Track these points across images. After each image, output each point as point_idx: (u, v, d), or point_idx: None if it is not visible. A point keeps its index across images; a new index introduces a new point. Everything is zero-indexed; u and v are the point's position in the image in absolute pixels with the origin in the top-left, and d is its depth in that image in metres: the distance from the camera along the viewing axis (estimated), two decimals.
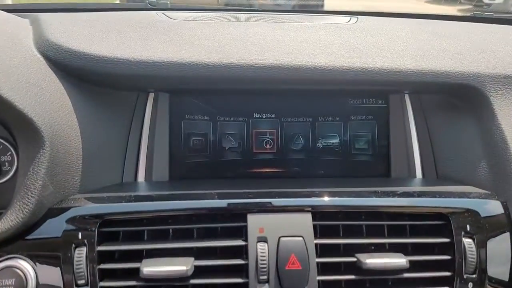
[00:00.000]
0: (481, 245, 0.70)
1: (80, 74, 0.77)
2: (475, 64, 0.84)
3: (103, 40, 0.80)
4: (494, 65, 0.84)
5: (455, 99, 0.88)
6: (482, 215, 0.72)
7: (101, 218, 0.67)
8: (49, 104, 0.68)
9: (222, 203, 0.70)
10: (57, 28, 0.82)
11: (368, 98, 0.93)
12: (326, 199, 0.71)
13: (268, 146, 0.91)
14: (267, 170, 0.91)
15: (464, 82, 0.82)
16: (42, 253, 0.66)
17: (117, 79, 0.79)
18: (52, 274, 0.65)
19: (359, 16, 1.07)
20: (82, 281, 0.64)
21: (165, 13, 1.04)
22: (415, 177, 0.89)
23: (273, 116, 0.92)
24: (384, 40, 0.90)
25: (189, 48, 0.80)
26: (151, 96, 0.88)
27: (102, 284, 0.65)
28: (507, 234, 0.72)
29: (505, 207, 0.74)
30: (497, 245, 0.72)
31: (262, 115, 0.92)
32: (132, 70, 0.76)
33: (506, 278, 0.71)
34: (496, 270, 0.71)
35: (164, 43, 0.82)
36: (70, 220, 0.66)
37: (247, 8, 1.37)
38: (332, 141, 0.92)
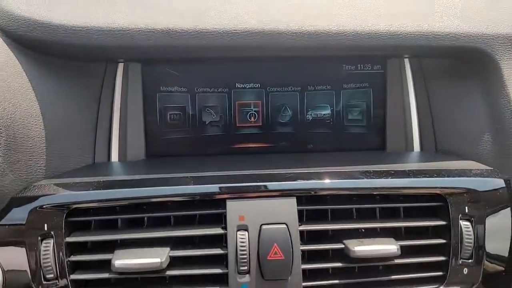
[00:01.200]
0: (480, 226, 0.65)
1: (37, 46, 0.69)
2: (485, 23, 0.74)
3: (62, 4, 0.70)
4: (506, 24, 0.75)
5: (460, 63, 0.79)
6: (483, 195, 0.66)
7: (68, 208, 0.62)
8: (1, 83, 0.61)
9: (199, 188, 0.64)
10: None
11: (363, 63, 0.84)
12: (312, 181, 0.65)
13: (252, 119, 0.84)
14: (252, 145, 0.85)
15: (470, 45, 0.73)
16: (7, 247, 0.61)
17: (78, 50, 0.70)
18: (20, 268, 0.61)
19: None
20: (51, 275, 0.60)
21: None
22: (413, 150, 0.83)
23: (257, 85, 0.84)
24: None
25: (158, 11, 0.71)
26: (121, 66, 0.80)
27: (72, 277, 0.61)
28: (508, 212, 0.67)
29: (508, 185, 0.68)
30: (497, 225, 0.67)
31: (245, 85, 0.83)
32: (93, 40, 0.68)
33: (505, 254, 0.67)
34: (494, 249, 0.66)
35: (131, 5, 0.72)
36: (34, 211, 0.61)
37: None
38: (322, 112, 0.85)
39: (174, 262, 0.61)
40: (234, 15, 0.71)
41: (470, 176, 0.68)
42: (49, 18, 0.68)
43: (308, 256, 0.64)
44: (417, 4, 0.78)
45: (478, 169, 0.70)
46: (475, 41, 0.73)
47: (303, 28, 0.70)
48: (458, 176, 0.68)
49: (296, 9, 0.73)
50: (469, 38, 0.73)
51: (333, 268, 0.65)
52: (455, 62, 0.80)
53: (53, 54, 0.72)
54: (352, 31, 0.71)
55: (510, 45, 0.73)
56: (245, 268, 0.61)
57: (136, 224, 0.65)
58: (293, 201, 0.64)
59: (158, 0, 0.74)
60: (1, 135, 0.59)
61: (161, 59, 0.80)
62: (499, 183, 0.68)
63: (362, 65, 0.84)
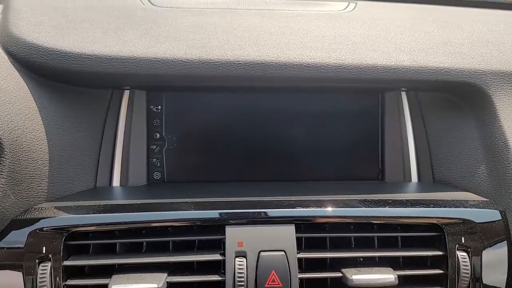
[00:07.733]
0: (477, 258, 0.66)
1: (45, 72, 0.71)
2: (478, 59, 0.77)
3: (72, 33, 0.73)
4: (498, 60, 0.78)
5: (455, 97, 0.82)
6: (479, 226, 0.67)
7: (68, 231, 0.62)
8: (9, 106, 0.63)
9: (198, 214, 0.65)
10: (24, 18, 0.75)
11: (362, 95, 0.87)
12: (311, 209, 0.66)
13: (251, 149, 0.85)
14: (252, 173, 0.86)
15: (464, 80, 0.76)
16: (4, 270, 0.61)
17: (86, 77, 0.73)
18: None
19: (357, 2, 0.99)
20: None
21: None
22: (410, 180, 0.84)
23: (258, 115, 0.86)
24: (380, 31, 0.83)
25: (165, 42, 0.74)
26: (127, 93, 0.82)
27: None
28: (504, 244, 0.67)
29: (503, 216, 0.69)
30: (494, 257, 0.67)
31: (247, 114, 0.86)
32: (101, 68, 0.70)
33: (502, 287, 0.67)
34: (492, 281, 0.66)
35: (139, 36, 0.75)
36: (33, 233, 0.61)
37: None
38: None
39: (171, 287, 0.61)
40: (237, 47, 0.74)
41: (466, 207, 0.69)
42: (59, 46, 0.70)
43: (306, 284, 0.64)
44: (413, 40, 0.81)
45: (474, 200, 0.71)
46: (469, 76, 0.76)
47: (303, 60, 0.73)
48: (455, 207, 0.69)
49: (297, 42, 0.76)
50: (462, 74, 0.76)
51: None
52: (450, 96, 0.82)
53: (61, 80, 0.74)
54: (351, 64, 0.74)
55: (502, 80, 0.76)
56: None
57: (134, 249, 0.65)
58: (291, 228, 0.64)
59: (164, 31, 0.77)
60: (6, 157, 0.60)
61: (167, 87, 0.82)
62: (495, 214, 0.68)
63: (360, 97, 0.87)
